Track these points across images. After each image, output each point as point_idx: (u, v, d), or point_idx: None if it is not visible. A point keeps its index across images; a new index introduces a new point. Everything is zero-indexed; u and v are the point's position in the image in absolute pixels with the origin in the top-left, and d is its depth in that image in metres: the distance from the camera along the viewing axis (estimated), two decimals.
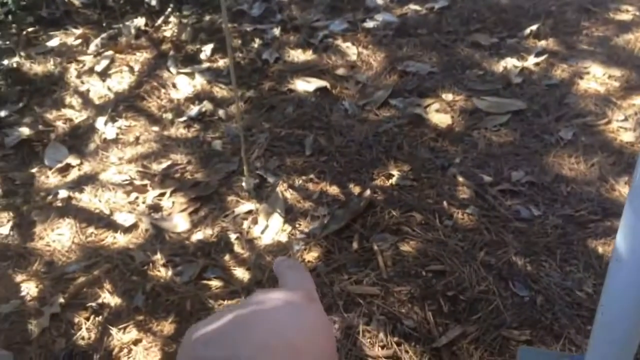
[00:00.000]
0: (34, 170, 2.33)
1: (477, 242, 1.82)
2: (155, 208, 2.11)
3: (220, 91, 2.70)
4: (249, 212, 2.05)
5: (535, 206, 1.93)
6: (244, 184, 2.10)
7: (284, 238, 1.93)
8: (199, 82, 2.75)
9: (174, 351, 1.58)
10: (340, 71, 2.74)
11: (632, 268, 0.70)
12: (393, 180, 2.11)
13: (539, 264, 1.72)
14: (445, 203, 1.98)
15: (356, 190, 2.09)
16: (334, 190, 2.11)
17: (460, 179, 2.08)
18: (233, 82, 1.95)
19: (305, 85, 2.67)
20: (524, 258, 1.74)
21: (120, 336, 1.63)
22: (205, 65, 2.87)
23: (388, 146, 2.29)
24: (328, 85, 2.63)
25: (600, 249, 1.73)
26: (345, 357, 1.52)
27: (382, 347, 1.54)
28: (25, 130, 2.50)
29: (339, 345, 1.55)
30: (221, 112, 2.55)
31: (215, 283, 1.78)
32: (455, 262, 1.76)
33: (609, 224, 1.81)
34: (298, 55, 2.89)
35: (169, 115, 2.57)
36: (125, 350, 1.59)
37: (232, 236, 1.96)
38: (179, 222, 2.04)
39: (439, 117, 2.44)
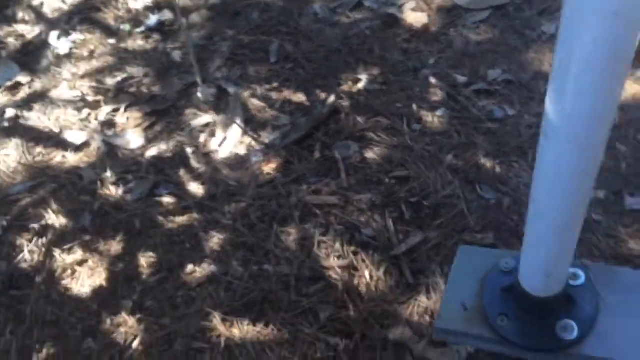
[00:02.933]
0: None
1: (445, 146, 1.69)
2: (109, 124, 1.99)
3: None
4: (207, 124, 1.93)
5: (510, 106, 1.79)
6: (199, 94, 1.97)
7: (242, 150, 1.82)
8: None
9: (120, 271, 1.51)
10: None
11: (560, 144, 0.56)
12: (361, 85, 1.96)
13: (509, 165, 1.59)
14: (414, 106, 1.84)
15: (322, 97, 1.94)
16: (298, 98, 1.97)
17: (433, 80, 1.93)
18: None
19: None
20: (493, 160, 1.62)
21: (64, 257, 1.55)
22: None
23: (358, 50, 2.12)
24: None
25: None
26: (297, 269, 1.44)
27: (338, 258, 1.45)
28: None
29: (292, 257, 1.46)
30: (182, 21, 2.37)
31: (167, 200, 1.69)
32: (420, 167, 1.64)
33: None
34: None
35: (127, 27, 2.40)
36: (69, 272, 1.52)
37: (188, 150, 1.85)
38: (133, 139, 1.92)
39: (414, 16, 2.25)
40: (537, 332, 0.66)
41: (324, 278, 1.41)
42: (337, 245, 1.48)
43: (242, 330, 1.33)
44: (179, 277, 1.46)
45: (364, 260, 1.44)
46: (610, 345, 0.68)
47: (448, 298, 0.78)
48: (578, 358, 0.68)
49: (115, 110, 2.04)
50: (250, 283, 1.42)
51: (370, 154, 1.71)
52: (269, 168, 1.74)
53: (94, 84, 2.14)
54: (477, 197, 1.54)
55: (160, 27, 2.38)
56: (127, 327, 1.38)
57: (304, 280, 1.41)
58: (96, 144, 1.92)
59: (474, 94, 1.86)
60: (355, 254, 1.45)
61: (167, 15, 2.42)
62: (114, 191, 1.73)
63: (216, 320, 1.35)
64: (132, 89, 2.12)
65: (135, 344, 1.34)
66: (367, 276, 1.40)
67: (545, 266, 0.64)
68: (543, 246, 0.63)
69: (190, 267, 1.48)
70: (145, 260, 1.52)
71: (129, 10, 2.49)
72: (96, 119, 2.01)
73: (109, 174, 1.78)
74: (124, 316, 1.40)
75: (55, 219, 1.65)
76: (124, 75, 2.17)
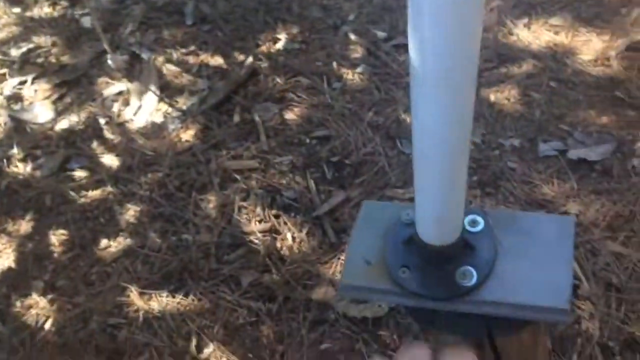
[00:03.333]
0: None
1: (366, 103, 1.67)
2: (15, 98, 1.87)
3: None
4: (120, 93, 1.84)
5: None
6: (110, 62, 1.87)
7: (158, 118, 1.75)
8: None
9: (29, 251, 1.43)
10: None
11: (427, 87, 0.53)
12: (279, 45, 1.91)
13: None
14: (334, 64, 1.81)
15: (240, 59, 1.88)
16: (216, 61, 1.91)
17: (353, 37, 1.89)
18: None
19: None
20: None
21: None
22: None
23: (276, 8, 2.06)
24: None
25: (492, 97, 1.61)
26: (218, 237, 1.40)
27: (260, 222, 1.43)
28: None
29: (212, 225, 1.42)
30: None
31: (79, 174, 1.61)
32: (341, 126, 1.61)
33: (504, 70, 1.68)
34: None
35: None
36: None
37: (101, 121, 1.76)
38: (41, 112, 1.81)
39: None
40: (438, 281, 0.65)
41: (245, 244, 1.38)
42: (258, 210, 1.44)
43: (161, 302, 1.29)
44: (92, 253, 1.40)
45: (285, 223, 1.41)
46: (508, 287, 0.67)
47: (351, 254, 0.76)
48: (477, 303, 0.67)
49: (22, 83, 1.92)
50: (169, 254, 1.38)
51: (290, 115, 1.68)
52: (187, 135, 1.68)
53: None
54: (398, 153, 1.53)
55: None
56: (38, 308, 1.31)
57: (224, 248, 1.38)
58: (2, 120, 1.80)
59: (394, 48, 1.84)
60: (277, 217, 1.43)
61: None
62: (22, 168, 1.64)
63: (133, 294, 1.30)
64: (40, 60, 2.00)
65: (47, 326, 1.28)
66: (290, 239, 1.38)
67: (436, 214, 0.62)
68: (431, 194, 0.61)
69: (104, 242, 1.42)
70: (56, 238, 1.44)
71: None
72: (1, 93, 1.89)
73: (16, 150, 1.68)
74: (34, 297, 1.33)
75: None
76: (30, 46, 2.04)
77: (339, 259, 1.34)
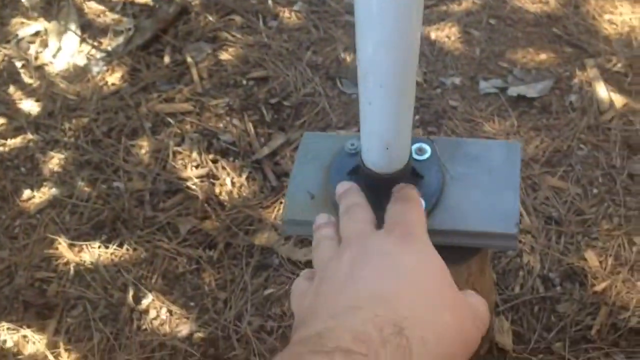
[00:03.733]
0: None
1: (304, 42, 1.60)
2: None
3: None
4: (37, 33, 1.69)
5: None
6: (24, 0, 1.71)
7: (81, 60, 1.62)
8: None
9: None
10: None
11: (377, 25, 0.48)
12: None
13: None
14: (270, 1, 1.72)
15: None
16: None
17: None
18: None
19: None
20: (352, 54, 1.56)
21: None
22: None
23: None
24: None
25: (433, 35, 1.58)
26: (152, 183, 1.32)
27: (196, 167, 1.36)
28: None
29: (145, 171, 1.34)
30: None
31: None
32: (279, 66, 1.54)
33: (444, 8, 1.65)
34: None
35: None
36: None
37: (17, 64, 1.62)
38: None
39: None
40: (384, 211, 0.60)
41: (182, 190, 1.31)
42: (195, 155, 1.37)
43: (93, 254, 1.21)
44: (14, 204, 1.30)
45: (224, 168, 1.35)
46: (456, 216, 0.65)
47: (294, 189, 0.71)
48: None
49: None
50: (99, 203, 1.29)
51: (225, 55, 1.59)
52: (114, 78, 1.57)
53: None
54: (338, 93, 1.48)
55: None
56: None
57: (159, 195, 1.31)
58: None
59: None
60: (214, 161, 1.36)
61: None
62: None
63: (62, 246, 1.22)
64: None
65: None
66: (229, 183, 1.33)
67: (385, 140, 0.58)
68: (378, 120, 0.57)
69: (27, 193, 1.32)
70: None
71: None
72: None
73: None
74: None
75: None
76: None
77: (280, 202, 1.30)
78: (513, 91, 1.44)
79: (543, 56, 1.52)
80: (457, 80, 1.48)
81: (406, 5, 0.45)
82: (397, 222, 0.47)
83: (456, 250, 0.66)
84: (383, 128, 0.57)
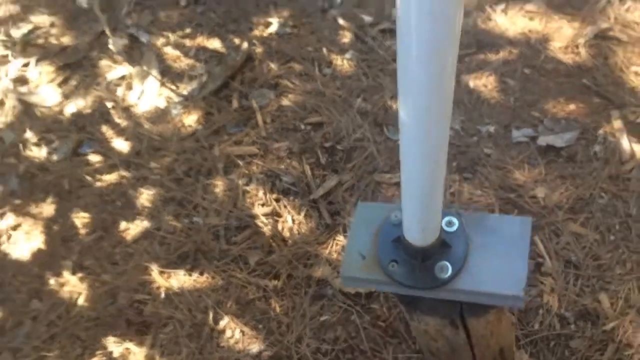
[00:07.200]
0: None
1: (355, 89, 1.81)
2: (21, 81, 1.97)
3: None
4: (123, 77, 1.94)
5: None
6: (111, 46, 1.96)
7: (161, 103, 1.87)
8: None
9: (56, 232, 1.58)
10: None
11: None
12: (272, 29, 2.01)
13: None
14: (324, 50, 1.93)
15: (235, 43, 1.99)
16: (212, 44, 2.01)
17: (341, 21, 2.00)
18: None
19: None
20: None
21: None
22: None
23: None
24: None
25: (471, 84, 1.76)
26: (226, 219, 1.56)
27: (262, 205, 1.59)
28: None
29: (219, 208, 1.58)
30: None
31: (92, 158, 1.74)
32: (332, 112, 1.76)
33: (482, 56, 1.82)
34: None
35: None
36: (5, 237, 1.57)
37: (108, 105, 1.88)
38: (49, 95, 1.92)
39: None
40: (420, 274, 0.82)
41: (251, 226, 1.54)
42: (260, 194, 1.60)
43: (179, 280, 1.46)
44: (114, 235, 1.56)
45: (285, 206, 1.57)
46: (477, 279, 0.85)
47: (349, 250, 0.93)
48: (452, 292, 0.85)
49: (25, 65, 2.01)
50: (182, 236, 1.54)
51: (285, 101, 1.81)
52: (190, 120, 1.81)
53: None
54: (385, 139, 1.68)
55: None
56: (70, 286, 1.48)
57: (232, 229, 1.54)
58: (11, 103, 1.90)
59: (380, 33, 1.96)
60: (277, 200, 1.59)
61: None
62: (37, 152, 1.76)
63: (154, 272, 1.47)
64: (40, 41, 2.08)
65: (80, 301, 1.45)
66: (290, 221, 1.55)
67: (421, 225, 0.78)
68: (415, 205, 0.76)
69: (123, 225, 1.58)
70: (79, 220, 1.59)
71: None
72: (6, 75, 1.98)
73: (29, 134, 1.80)
74: (66, 276, 1.49)
75: None
76: (30, 26, 2.12)
77: (334, 239, 1.51)
78: (543, 140, 1.61)
79: (572, 106, 1.68)
80: (492, 129, 1.66)
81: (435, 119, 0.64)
82: None
83: (476, 305, 0.87)
84: (421, 217, 0.77)
